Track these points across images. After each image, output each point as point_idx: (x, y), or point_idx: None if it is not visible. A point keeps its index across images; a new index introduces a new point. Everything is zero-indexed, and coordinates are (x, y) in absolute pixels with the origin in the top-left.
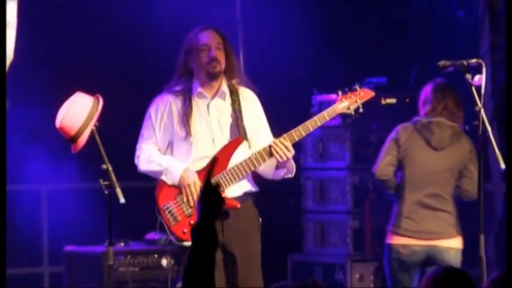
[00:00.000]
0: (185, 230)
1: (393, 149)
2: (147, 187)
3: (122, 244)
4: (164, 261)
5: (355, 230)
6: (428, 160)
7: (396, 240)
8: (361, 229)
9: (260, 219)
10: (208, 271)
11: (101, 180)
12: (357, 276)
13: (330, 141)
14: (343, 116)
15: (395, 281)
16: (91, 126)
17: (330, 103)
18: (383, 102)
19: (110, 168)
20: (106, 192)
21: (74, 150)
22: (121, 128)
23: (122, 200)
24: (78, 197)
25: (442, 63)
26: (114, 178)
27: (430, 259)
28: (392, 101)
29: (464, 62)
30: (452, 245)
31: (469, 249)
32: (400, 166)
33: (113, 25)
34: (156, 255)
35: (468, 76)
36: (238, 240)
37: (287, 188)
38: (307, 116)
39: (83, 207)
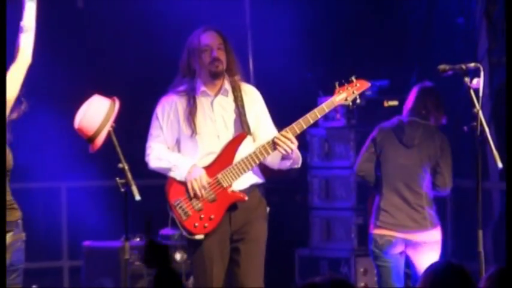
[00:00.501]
0: (196, 224)
1: (371, 146)
2: (161, 185)
3: (138, 239)
4: (178, 256)
5: (359, 226)
6: (400, 156)
7: (375, 231)
8: (365, 225)
9: (268, 209)
10: None
11: (117, 178)
12: (361, 270)
13: (335, 141)
14: (348, 116)
15: (379, 267)
16: (108, 127)
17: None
18: (385, 104)
19: (126, 167)
20: (122, 190)
21: (92, 150)
22: (137, 128)
23: (138, 197)
24: (95, 194)
25: (441, 67)
26: (130, 176)
27: (408, 251)
28: (394, 103)
29: (463, 66)
30: (427, 238)
31: (468, 245)
32: (377, 163)
33: (128, 31)
34: (170, 250)
35: (467, 79)
36: (244, 228)
37: (294, 186)
38: None
39: (101, 204)
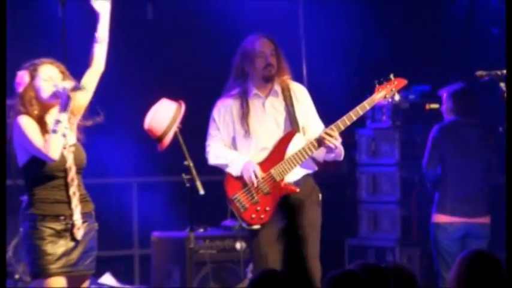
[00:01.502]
0: (253, 216)
1: (434, 146)
2: (223, 180)
3: (202, 230)
4: (238, 245)
5: (404, 218)
6: (462, 154)
7: (442, 220)
8: (409, 217)
9: (320, 195)
10: None
11: (183, 174)
12: (405, 258)
13: (381, 140)
14: (393, 118)
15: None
16: (174, 128)
17: (381, 107)
18: (427, 107)
19: (191, 164)
20: (188, 185)
21: (160, 149)
22: (201, 129)
23: (202, 192)
24: (163, 189)
25: (479, 73)
26: (194, 173)
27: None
28: (435, 106)
29: (499, 72)
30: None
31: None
32: (440, 160)
33: (193, 40)
34: (231, 240)
35: (502, 84)
36: (299, 215)
37: (344, 181)
38: (360, 118)
39: (168, 198)
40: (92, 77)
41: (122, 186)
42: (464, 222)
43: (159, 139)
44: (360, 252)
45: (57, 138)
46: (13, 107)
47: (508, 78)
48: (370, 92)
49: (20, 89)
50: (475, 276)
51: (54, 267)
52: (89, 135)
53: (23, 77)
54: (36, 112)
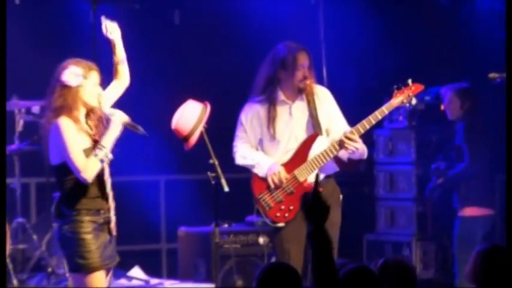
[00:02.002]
0: (278, 214)
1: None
2: (246, 178)
3: (226, 225)
4: (261, 240)
5: (419, 214)
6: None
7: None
8: (424, 213)
9: (341, 196)
10: (330, 263)
11: (208, 172)
12: (421, 252)
13: (398, 140)
14: (409, 118)
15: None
16: (200, 128)
17: (398, 108)
18: (442, 108)
19: (216, 163)
20: (213, 182)
21: (187, 148)
22: (226, 128)
23: (226, 189)
24: (189, 186)
25: (491, 75)
26: (219, 171)
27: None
28: None
29: None
30: None
31: None
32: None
33: (217, 44)
34: (254, 234)
35: None
36: None
37: (363, 179)
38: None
39: (194, 195)
40: (117, 89)
41: (151, 183)
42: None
43: (186, 138)
44: (377, 247)
45: (96, 163)
46: (50, 105)
47: (508, 78)
48: (386, 94)
49: (68, 85)
50: (491, 269)
51: (97, 260)
52: (121, 137)
53: (75, 74)
54: (76, 114)
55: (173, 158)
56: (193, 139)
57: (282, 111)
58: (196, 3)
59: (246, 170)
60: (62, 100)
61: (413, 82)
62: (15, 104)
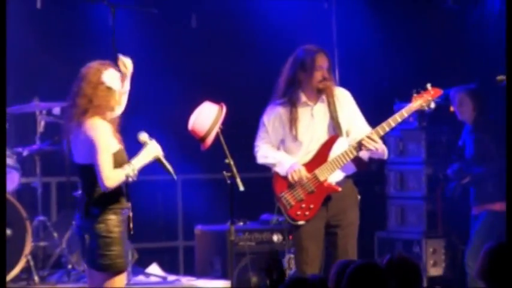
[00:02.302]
0: (298, 213)
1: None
2: (261, 177)
3: (242, 223)
4: (275, 237)
5: (429, 212)
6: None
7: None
8: (434, 211)
9: (359, 196)
10: None
11: (224, 172)
12: (431, 249)
13: (408, 140)
14: (420, 119)
15: None
16: (216, 129)
17: None
18: (451, 109)
19: (232, 162)
20: (228, 181)
21: (203, 148)
22: (241, 129)
23: (241, 188)
24: (206, 185)
25: (499, 77)
26: (235, 170)
27: None
28: None
29: None
30: None
31: None
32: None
33: (233, 47)
34: (268, 232)
35: None
36: (340, 215)
37: (374, 178)
38: None
39: (210, 194)
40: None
41: (168, 183)
42: None
43: (202, 139)
44: (388, 244)
45: (121, 176)
46: (81, 103)
47: (508, 78)
48: (398, 93)
49: (107, 86)
50: (498, 267)
51: (123, 260)
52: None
53: (115, 77)
54: (110, 116)
55: (190, 158)
56: (210, 140)
57: (303, 112)
58: (212, 7)
59: (260, 170)
60: (98, 100)
61: (432, 86)
62: (36, 106)
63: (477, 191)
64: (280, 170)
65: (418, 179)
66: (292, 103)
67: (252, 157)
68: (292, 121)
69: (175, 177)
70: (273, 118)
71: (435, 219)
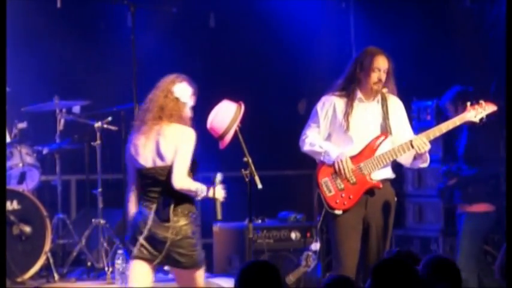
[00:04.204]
0: (337, 201)
1: None
2: (279, 175)
3: (260, 221)
4: (293, 235)
5: (446, 210)
6: None
7: None
8: (451, 209)
9: (395, 199)
10: None
11: (242, 169)
12: (448, 247)
13: None
14: (437, 118)
15: None
16: (235, 127)
17: (426, 108)
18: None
19: (250, 160)
20: (247, 179)
21: (222, 146)
22: (259, 128)
23: (260, 186)
24: (224, 183)
25: None
26: (253, 168)
27: None
28: None
29: None
30: None
31: None
32: None
33: (251, 46)
34: (286, 230)
35: None
36: (377, 215)
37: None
38: (408, 117)
39: (228, 192)
40: None
41: None
42: None
43: (221, 137)
44: (406, 242)
45: (190, 186)
46: (153, 111)
47: (508, 78)
48: (416, 92)
49: (176, 97)
50: None
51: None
52: None
53: (185, 89)
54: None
55: (208, 156)
56: (228, 138)
57: (357, 108)
58: (230, 7)
59: (280, 168)
60: (169, 109)
61: (486, 101)
62: (56, 104)
63: (462, 192)
64: (327, 159)
65: (436, 177)
66: (348, 97)
67: (270, 155)
68: (346, 114)
69: (220, 218)
70: (327, 106)
71: (453, 217)
